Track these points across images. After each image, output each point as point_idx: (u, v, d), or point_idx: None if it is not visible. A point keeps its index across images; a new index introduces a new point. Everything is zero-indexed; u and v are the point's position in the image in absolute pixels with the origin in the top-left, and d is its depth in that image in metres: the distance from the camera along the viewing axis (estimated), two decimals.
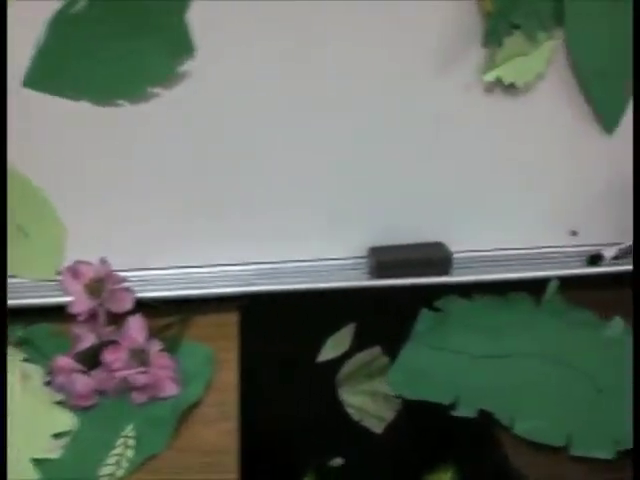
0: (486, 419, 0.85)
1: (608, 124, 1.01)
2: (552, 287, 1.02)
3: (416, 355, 0.94)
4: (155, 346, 0.88)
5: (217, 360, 0.91)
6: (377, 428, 1.13)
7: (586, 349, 0.94)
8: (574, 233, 1.06)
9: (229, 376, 0.90)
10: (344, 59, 0.92)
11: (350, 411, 1.12)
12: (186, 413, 0.84)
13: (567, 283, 1.04)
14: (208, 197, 0.98)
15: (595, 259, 1.04)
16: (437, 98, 0.95)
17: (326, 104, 0.94)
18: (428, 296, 1.02)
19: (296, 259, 1.02)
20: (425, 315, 1.00)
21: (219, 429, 0.83)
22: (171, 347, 0.91)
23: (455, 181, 1.01)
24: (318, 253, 1.02)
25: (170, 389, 0.86)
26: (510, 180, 1.02)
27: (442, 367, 0.91)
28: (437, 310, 1.01)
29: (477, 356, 0.93)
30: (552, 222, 1.05)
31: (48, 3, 0.87)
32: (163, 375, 0.86)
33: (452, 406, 0.86)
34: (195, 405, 0.85)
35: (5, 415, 0.78)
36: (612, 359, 0.92)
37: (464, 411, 0.85)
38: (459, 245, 1.03)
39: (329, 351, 1.10)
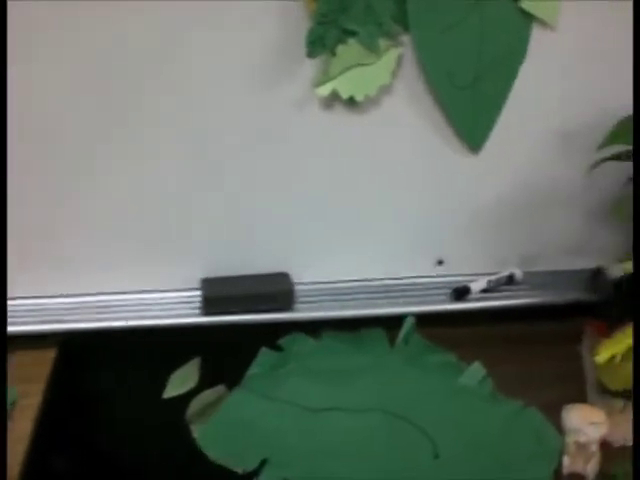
0: None
1: (472, 143, 0.90)
2: (407, 325, 0.90)
3: (240, 404, 0.83)
4: None
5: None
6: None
7: (435, 403, 0.83)
8: (440, 263, 0.96)
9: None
10: (165, 75, 0.81)
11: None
12: None
13: (430, 318, 0.94)
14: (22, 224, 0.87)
15: (461, 292, 0.94)
16: (265, 115, 0.83)
17: (148, 125, 0.83)
18: (273, 332, 0.93)
19: (124, 291, 0.92)
20: (264, 355, 0.88)
21: None
22: None
23: (302, 208, 0.90)
24: (149, 285, 0.92)
25: None
26: (364, 205, 0.91)
27: (265, 421, 0.80)
28: (280, 349, 0.91)
29: (310, 409, 0.81)
30: (415, 251, 0.94)
31: None
32: None
33: (254, 473, 0.75)
34: None
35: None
36: (461, 416, 0.81)
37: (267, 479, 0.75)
38: (306, 277, 0.93)
39: (176, 387, 1.00)
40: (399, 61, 0.83)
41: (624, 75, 0.87)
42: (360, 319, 0.91)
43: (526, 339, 0.92)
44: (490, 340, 0.93)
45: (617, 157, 0.84)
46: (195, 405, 0.95)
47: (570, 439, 0.76)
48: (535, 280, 0.95)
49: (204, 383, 0.94)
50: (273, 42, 0.80)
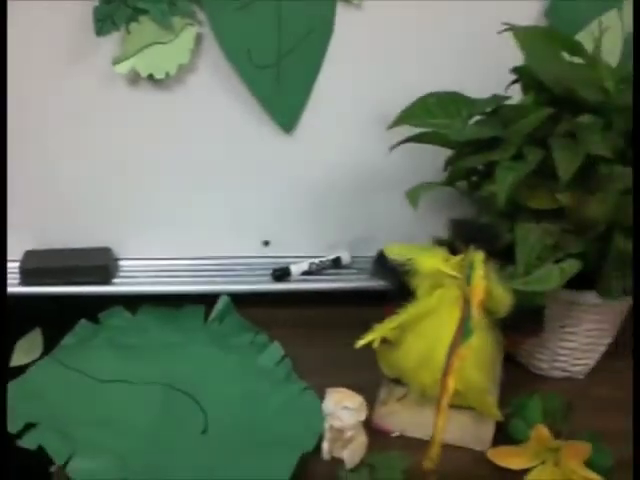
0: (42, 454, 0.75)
1: (283, 123, 0.89)
2: (222, 304, 0.91)
3: (39, 372, 0.85)
4: None
5: None
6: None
7: (224, 381, 0.83)
8: (266, 244, 0.95)
9: None
10: None
11: None
12: None
13: (252, 299, 0.94)
14: None
15: (281, 274, 0.93)
16: (75, 94, 0.85)
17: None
18: (97, 306, 0.94)
19: None
20: (80, 327, 0.91)
21: None
22: None
23: (125, 186, 0.91)
24: None
25: None
26: (187, 186, 0.92)
27: (54, 388, 0.82)
28: (97, 322, 0.92)
29: (98, 379, 0.83)
30: (241, 232, 0.94)
31: None
32: None
33: (19, 434, 0.77)
34: None
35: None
36: (244, 395, 0.81)
37: (27, 442, 0.75)
38: (130, 253, 0.94)
39: (21, 356, 1.04)
40: (198, 40, 0.83)
41: (434, 57, 0.86)
42: (185, 296, 0.93)
43: (343, 322, 0.89)
44: (307, 322, 0.92)
45: (417, 139, 0.82)
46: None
47: (327, 424, 0.75)
48: (362, 264, 0.94)
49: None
50: (80, 22, 0.82)
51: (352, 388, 0.78)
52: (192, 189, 0.92)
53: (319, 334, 0.90)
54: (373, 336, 0.74)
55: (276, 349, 0.87)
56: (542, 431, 0.73)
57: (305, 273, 0.93)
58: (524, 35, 0.75)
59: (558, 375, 0.87)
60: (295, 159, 0.90)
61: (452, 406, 0.77)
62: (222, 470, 0.73)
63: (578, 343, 0.84)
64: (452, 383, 0.65)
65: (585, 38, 0.85)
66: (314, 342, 0.89)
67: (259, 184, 0.92)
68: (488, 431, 0.77)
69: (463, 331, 0.65)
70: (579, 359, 0.86)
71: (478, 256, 0.66)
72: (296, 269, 0.92)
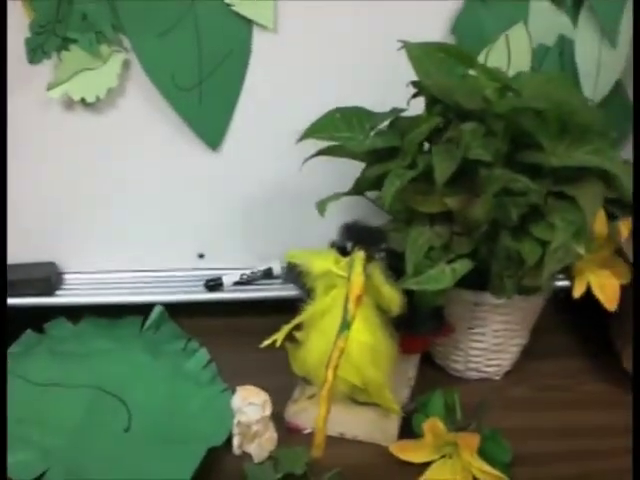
0: None
1: (209, 142, 0.94)
2: (156, 313, 0.96)
3: None
4: None
5: None
6: None
7: (153, 385, 0.87)
8: (201, 256, 1.00)
9: None
10: None
11: None
12: None
13: (187, 309, 0.99)
14: None
15: (213, 284, 0.98)
16: (11, 118, 0.90)
17: None
18: (42, 317, 1.00)
19: None
20: (26, 336, 0.96)
21: None
22: None
23: (69, 202, 0.97)
24: None
25: None
26: (127, 202, 0.97)
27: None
28: (42, 332, 0.97)
29: (35, 383, 0.88)
30: (177, 245, 1.00)
31: None
32: None
33: None
34: None
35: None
36: (168, 397, 0.85)
37: None
38: (75, 267, 1.00)
39: None
40: (125, 65, 0.90)
41: (351, 74, 0.91)
42: (124, 307, 0.98)
43: (271, 329, 0.92)
44: (238, 329, 0.97)
45: (326, 152, 0.87)
46: None
47: (235, 419, 0.79)
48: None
49: None
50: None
51: (274, 389, 0.82)
52: (129, 206, 0.97)
53: (248, 341, 0.93)
54: (276, 337, 0.78)
55: (203, 354, 0.92)
56: (435, 424, 0.76)
57: (237, 283, 0.98)
58: (416, 50, 0.80)
59: (474, 376, 0.90)
60: (224, 174, 0.96)
61: (358, 402, 0.82)
62: (135, 466, 0.77)
63: (488, 344, 0.87)
64: (331, 375, 0.69)
65: (493, 52, 0.91)
66: (243, 348, 0.92)
67: (192, 200, 0.97)
68: (393, 426, 0.81)
69: (340, 325, 0.69)
70: (492, 360, 0.89)
71: (358, 255, 0.71)
72: (228, 280, 0.97)
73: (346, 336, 0.70)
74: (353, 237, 0.73)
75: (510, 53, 0.92)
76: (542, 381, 0.90)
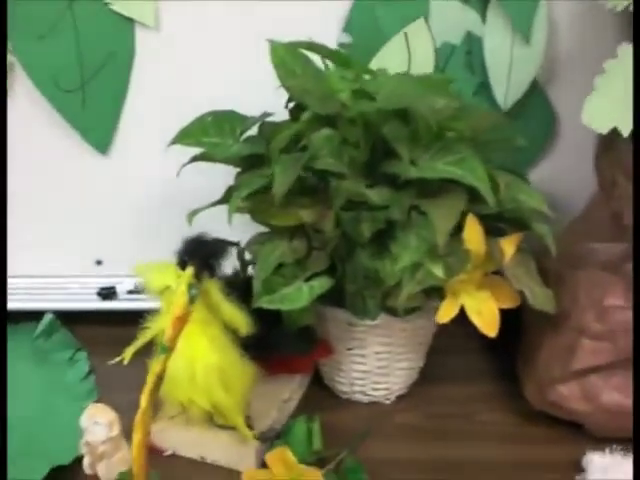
0: None
1: (96, 145, 0.90)
2: (45, 322, 0.93)
3: None
4: None
5: None
6: None
7: (28, 395, 0.84)
8: (99, 263, 0.97)
9: None
10: None
11: None
12: None
13: (81, 317, 0.95)
14: None
15: (107, 293, 0.94)
16: None
17: None
18: None
19: None
20: None
21: None
22: None
23: None
24: None
25: None
26: (21, 208, 0.94)
27: None
28: None
29: None
30: (73, 251, 0.96)
31: None
32: None
33: None
34: None
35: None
36: (41, 406, 0.84)
37: None
38: None
39: None
40: (10, 67, 0.87)
41: (237, 73, 0.86)
42: (19, 313, 0.95)
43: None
44: (129, 339, 0.93)
45: (200, 158, 0.81)
46: None
47: (83, 439, 0.75)
48: None
49: None
50: None
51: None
52: (26, 213, 0.94)
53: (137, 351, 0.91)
54: (124, 355, 0.74)
55: (82, 365, 0.89)
56: (284, 454, 0.70)
57: (131, 292, 0.95)
58: (281, 50, 0.74)
59: (363, 399, 0.84)
60: (115, 178, 0.92)
61: (217, 425, 0.78)
62: None
63: (370, 366, 0.81)
64: (145, 401, 0.64)
65: (390, 52, 0.84)
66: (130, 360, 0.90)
67: (85, 205, 0.94)
68: (251, 452, 0.75)
69: (159, 348, 0.65)
70: (378, 383, 0.82)
71: (186, 272, 0.66)
72: (122, 288, 0.94)
73: (163, 360, 0.65)
74: (189, 252, 0.68)
75: (410, 53, 0.85)
76: (434, 408, 0.83)
